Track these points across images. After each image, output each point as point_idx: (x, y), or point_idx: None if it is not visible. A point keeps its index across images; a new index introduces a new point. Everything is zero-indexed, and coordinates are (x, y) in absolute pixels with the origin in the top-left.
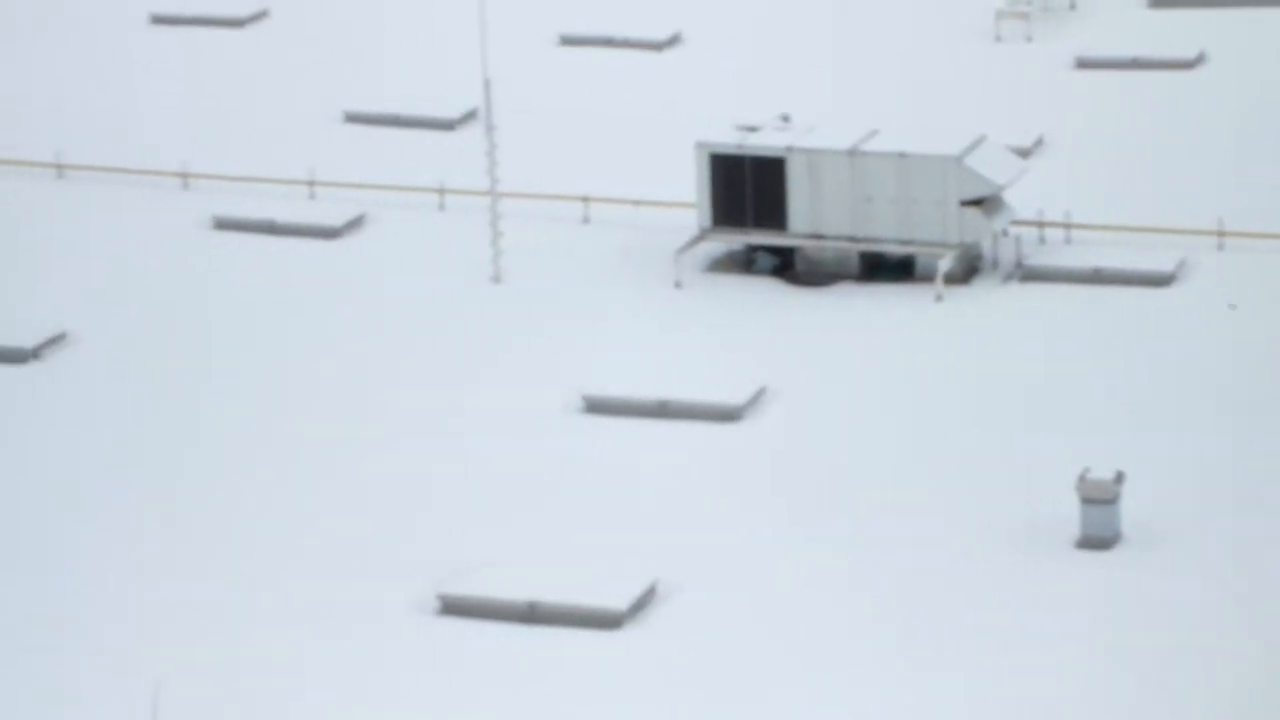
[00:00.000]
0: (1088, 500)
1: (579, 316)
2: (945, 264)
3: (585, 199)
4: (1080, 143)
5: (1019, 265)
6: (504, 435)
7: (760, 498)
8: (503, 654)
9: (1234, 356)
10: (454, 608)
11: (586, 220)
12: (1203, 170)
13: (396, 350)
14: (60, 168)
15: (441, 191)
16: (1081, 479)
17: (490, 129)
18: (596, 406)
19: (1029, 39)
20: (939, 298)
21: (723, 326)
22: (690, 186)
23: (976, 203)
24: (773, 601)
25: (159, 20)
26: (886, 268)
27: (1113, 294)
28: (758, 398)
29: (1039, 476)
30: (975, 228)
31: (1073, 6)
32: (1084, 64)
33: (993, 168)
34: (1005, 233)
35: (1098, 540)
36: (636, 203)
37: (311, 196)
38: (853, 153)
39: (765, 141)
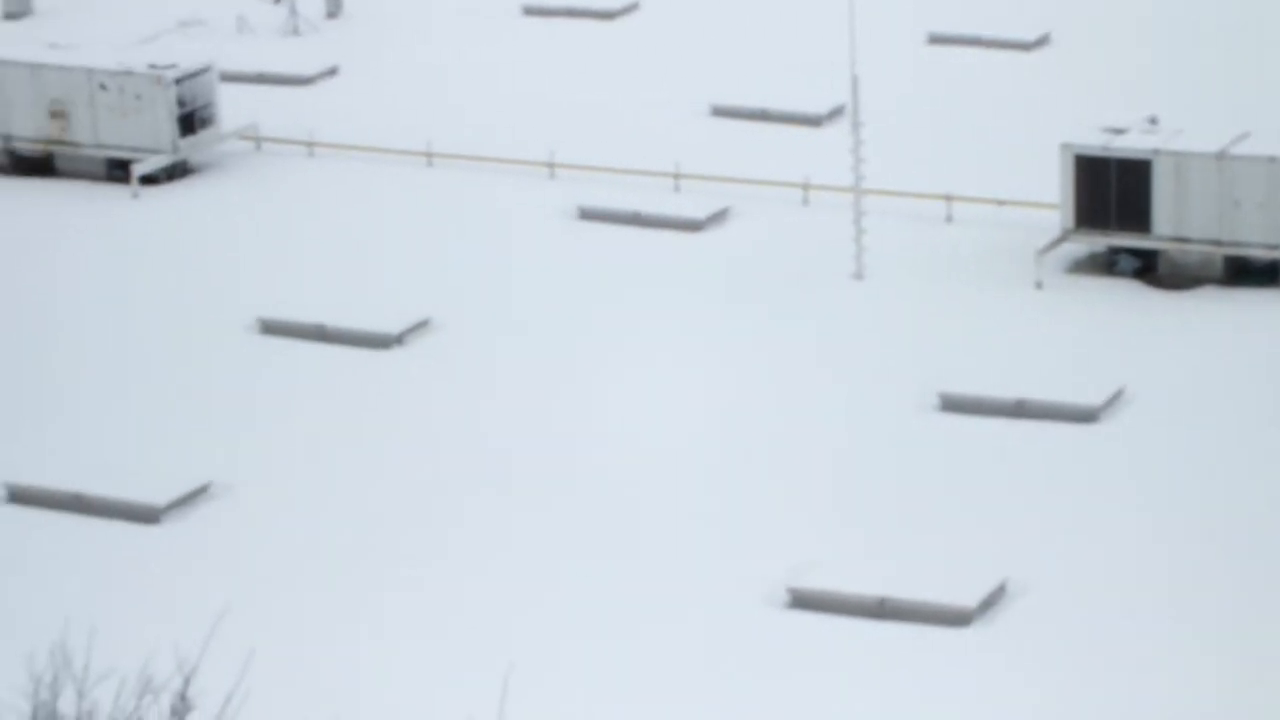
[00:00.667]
0: None
1: (938, 314)
2: None
3: (948, 198)
4: None
5: None
6: (859, 430)
7: (1115, 499)
8: (851, 648)
9: None
10: (804, 601)
11: (949, 219)
12: None
13: (755, 343)
14: (430, 156)
15: (806, 187)
16: None
17: (856, 126)
18: (953, 404)
19: None
20: None
21: (1082, 327)
22: (1054, 187)
23: None
24: (1123, 602)
25: (531, 12)
26: (1252, 272)
27: None
28: (1115, 399)
29: None
30: None
31: None
32: None
33: None
34: None
35: None
36: (1000, 202)
37: (676, 189)
38: (1221, 156)
39: (1131, 144)
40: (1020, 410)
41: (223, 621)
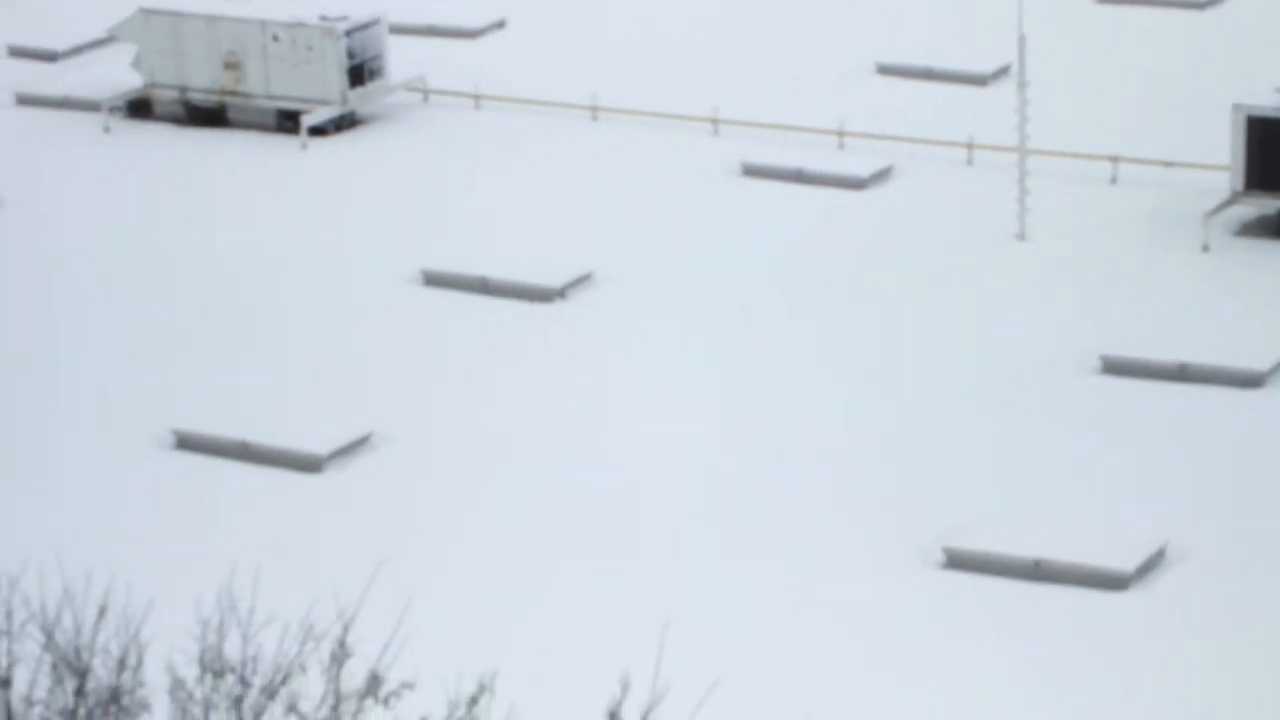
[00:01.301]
0: None
1: (1102, 276)
2: None
3: (1114, 159)
4: None
5: None
6: (1019, 392)
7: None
8: (1006, 610)
9: None
10: (959, 562)
11: (1114, 180)
12: None
13: (915, 302)
14: (595, 110)
15: (970, 146)
16: None
17: (1022, 85)
18: (1114, 367)
19: None
20: None
21: (1249, 292)
22: (1224, 149)
23: None
24: None
25: None
26: None
27: None
28: None
29: None
30: None
31: None
32: None
33: None
34: None
35: None
36: (1167, 164)
37: (840, 147)
38: None
39: None
40: (1184, 374)
41: (382, 570)
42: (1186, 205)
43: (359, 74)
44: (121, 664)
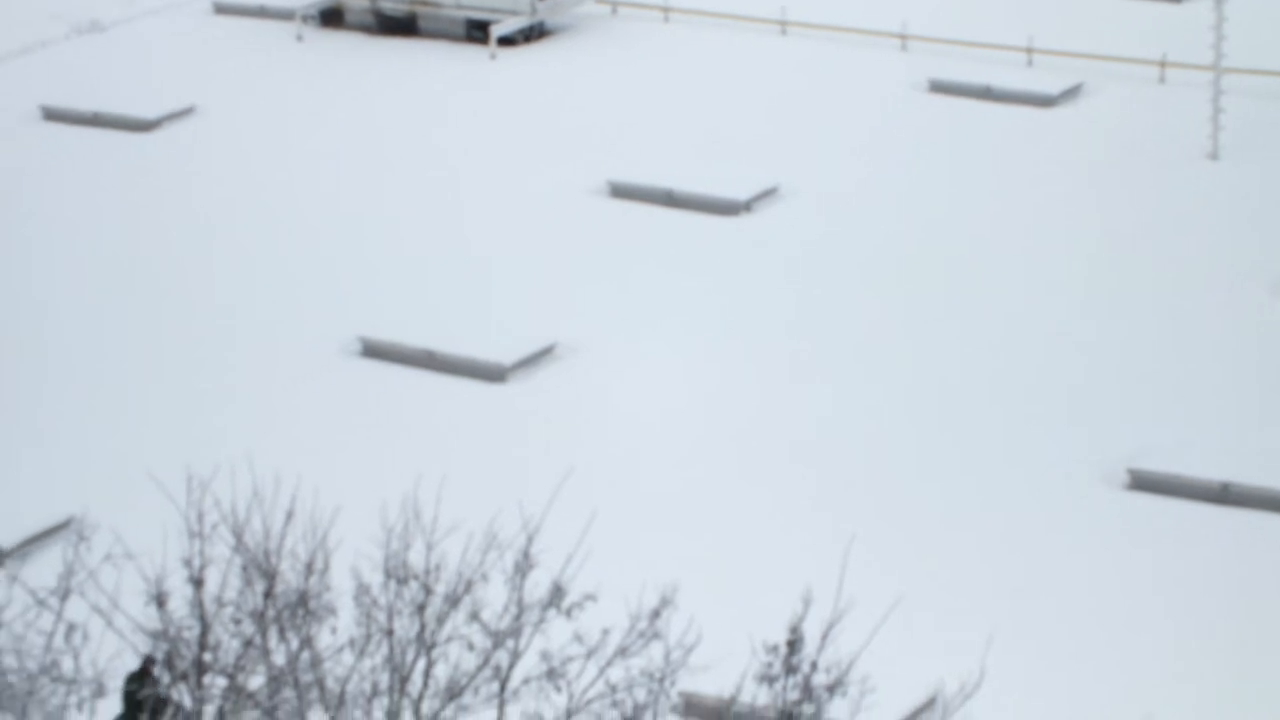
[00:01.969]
0: None
1: None
2: None
3: None
4: None
5: None
6: (1207, 312)
7: None
8: (1191, 532)
9: None
10: (1144, 484)
11: None
12: None
13: (1104, 220)
14: (784, 25)
15: (1163, 64)
16: None
17: (1219, 1)
18: None
19: None
20: None
21: None
22: None
23: None
24: None
25: None
26: None
27: None
28: None
29: None
30: None
31: None
32: None
33: None
34: None
35: None
36: None
37: (1029, 64)
38: None
39: None
40: None
41: (567, 481)
42: None
43: None
44: (309, 568)
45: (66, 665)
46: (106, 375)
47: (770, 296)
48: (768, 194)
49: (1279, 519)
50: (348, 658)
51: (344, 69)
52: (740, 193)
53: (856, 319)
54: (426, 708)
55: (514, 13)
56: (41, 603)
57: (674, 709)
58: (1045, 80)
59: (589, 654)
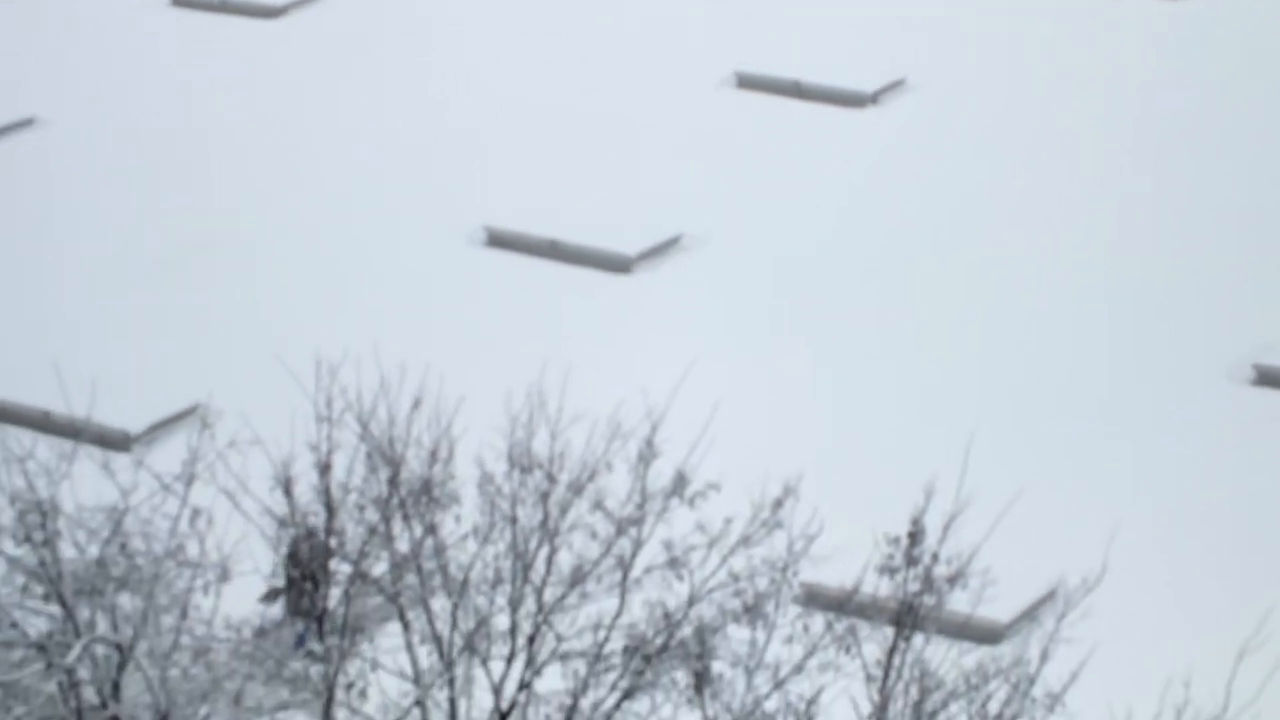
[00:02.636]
0: None
1: None
2: None
3: None
4: None
5: None
6: None
7: None
8: None
9: None
10: (1269, 378)
11: None
12: None
13: (1240, 117)
14: None
15: None
16: None
17: None
18: None
19: None
20: None
21: None
22: None
23: None
24: None
25: None
26: None
27: None
28: None
29: None
30: None
31: None
32: None
33: None
34: None
35: None
36: None
37: None
38: None
39: None
40: None
41: (691, 371)
42: None
43: None
44: (433, 456)
45: (192, 549)
46: (232, 261)
47: (900, 187)
48: (895, 86)
49: None
50: (471, 545)
51: None
52: (868, 84)
53: (987, 211)
54: (549, 595)
55: None
56: (167, 487)
57: (795, 599)
58: None
59: (711, 543)
